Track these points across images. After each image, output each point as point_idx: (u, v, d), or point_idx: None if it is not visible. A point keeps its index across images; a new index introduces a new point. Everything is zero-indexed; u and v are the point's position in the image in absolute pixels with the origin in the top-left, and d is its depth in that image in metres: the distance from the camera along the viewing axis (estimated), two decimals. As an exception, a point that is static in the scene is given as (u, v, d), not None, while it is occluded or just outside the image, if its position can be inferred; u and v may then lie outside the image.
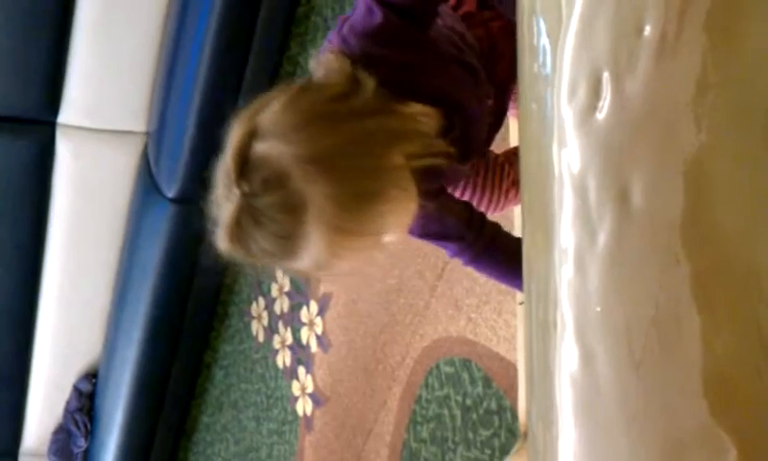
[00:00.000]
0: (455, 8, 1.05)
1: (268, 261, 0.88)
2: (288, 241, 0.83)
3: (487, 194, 1.20)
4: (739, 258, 0.47)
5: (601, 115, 0.52)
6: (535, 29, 0.58)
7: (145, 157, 2.64)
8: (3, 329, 2.86)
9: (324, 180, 0.80)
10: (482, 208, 1.20)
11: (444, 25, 0.98)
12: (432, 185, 0.99)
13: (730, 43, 0.47)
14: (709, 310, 0.48)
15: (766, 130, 0.46)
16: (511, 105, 1.11)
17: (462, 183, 1.18)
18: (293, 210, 0.81)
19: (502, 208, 1.22)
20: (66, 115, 2.56)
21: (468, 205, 1.09)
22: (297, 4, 2.39)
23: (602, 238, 0.53)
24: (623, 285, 0.53)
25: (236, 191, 0.81)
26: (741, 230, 0.47)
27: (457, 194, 1.18)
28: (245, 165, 0.82)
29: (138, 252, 2.72)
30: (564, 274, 0.56)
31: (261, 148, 0.82)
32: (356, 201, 0.83)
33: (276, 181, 0.81)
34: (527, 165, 0.65)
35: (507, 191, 1.20)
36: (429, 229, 1.03)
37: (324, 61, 0.89)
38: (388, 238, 0.88)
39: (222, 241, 0.85)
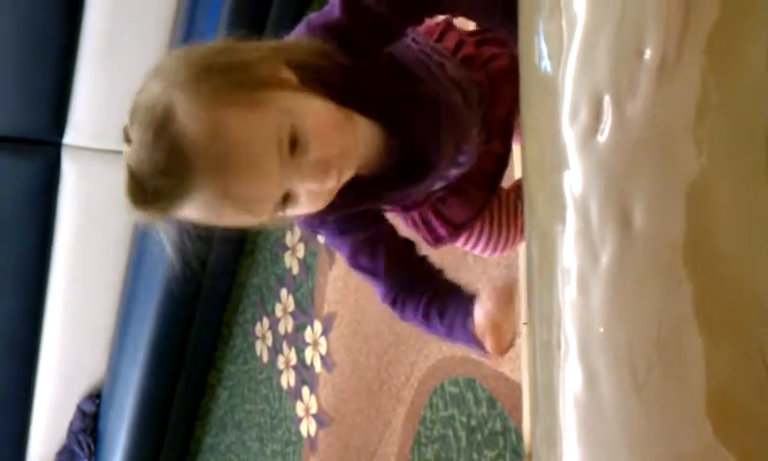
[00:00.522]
0: (455, 51, 1.03)
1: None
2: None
3: (503, 232, 1.17)
4: (740, 280, 0.47)
5: (602, 138, 0.53)
6: (536, 51, 0.59)
7: (150, 177, 2.65)
8: (7, 350, 2.86)
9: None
10: (498, 246, 1.18)
11: (420, 50, 0.97)
12: (367, 206, 0.97)
13: (729, 67, 0.48)
14: (711, 331, 0.48)
15: (766, 153, 0.46)
16: (515, 136, 1.10)
17: (477, 224, 1.15)
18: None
19: (519, 243, 1.21)
20: (72, 136, 2.58)
21: (408, 248, 1.03)
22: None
23: (604, 259, 0.53)
24: (626, 306, 0.53)
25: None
26: (741, 253, 0.47)
27: (475, 233, 1.16)
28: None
29: (143, 272, 2.73)
30: (568, 294, 0.57)
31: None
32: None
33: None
34: (530, 187, 0.65)
35: (522, 227, 1.18)
36: (358, 261, 1.00)
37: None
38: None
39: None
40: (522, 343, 1.67)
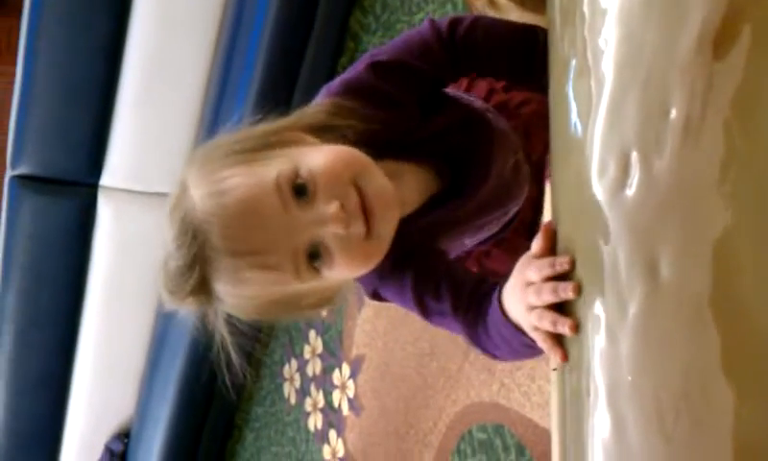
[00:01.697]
0: (487, 98, 1.01)
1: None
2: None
3: None
4: (763, 332, 0.49)
5: (630, 192, 0.55)
6: (567, 109, 0.61)
7: (183, 219, 2.69)
8: (39, 388, 2.89)
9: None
10: None
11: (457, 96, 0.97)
12: (419, 241, 0.90)
13: (751, 127, 0.49)
14: (738, 383, 0.49)
15: (787, 210, 0.48)
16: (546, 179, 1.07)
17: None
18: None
19: None
20: (108, 178, 2.63)
21: (468, 274, 0.92)
22: (334, 72, 2.46)
23: (632, 310, 0.55)
24: (653, 356, 0.54)
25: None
26: (764, 306, 0.49)
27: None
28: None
29: (174, 312, 2.75)
30: (597, 343, 0.58)
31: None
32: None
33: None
34: (561, 237, 0.67)
35: None
36: (427, 306, 0.89)
37: None
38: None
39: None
40: (552, 389, 1.66)
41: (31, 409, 2.91)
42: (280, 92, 2.37)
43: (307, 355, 2.73)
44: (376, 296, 0.92)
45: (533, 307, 0.68)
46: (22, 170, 2.51)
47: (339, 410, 2.54)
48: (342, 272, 0.79)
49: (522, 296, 0.70)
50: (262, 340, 2.95)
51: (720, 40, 0.51)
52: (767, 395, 0.49)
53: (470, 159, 0.92)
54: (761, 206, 0.49)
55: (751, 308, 0.49)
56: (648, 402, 0.54)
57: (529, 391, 1.81)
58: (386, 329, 2.34)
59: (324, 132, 0.81)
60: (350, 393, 2.49)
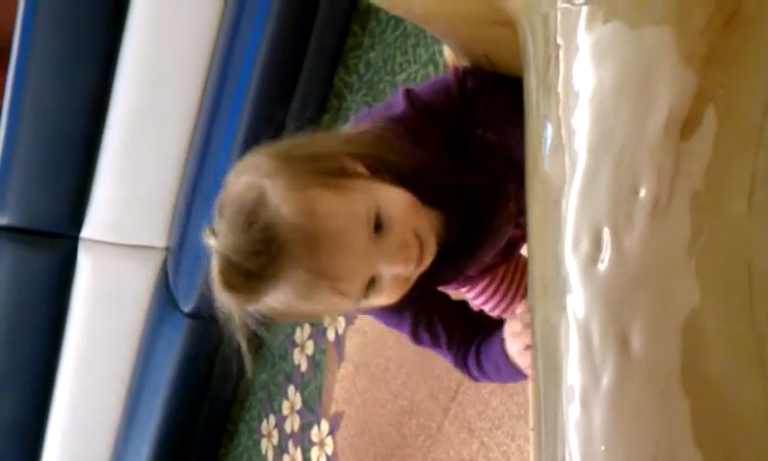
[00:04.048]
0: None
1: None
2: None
3: (509, 291, 1.22)
4: (729, 404, 0.50)
5: (602, 267, 0.57)
6: (543, 182, 0.63)
7: (164, 271, 2.70)
8: (13, 439, 2.85)
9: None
10: (502, 304, 1.22)
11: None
12: (426, 286, 0.98)
13: (715, 210, 0.52)
14: (705, 451, 0.51)
15: (749, 288, 0.49)
16: None
17: (487, 277, 1.19)
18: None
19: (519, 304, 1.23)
20: (89, 230, 2.63)
21: (461, 312, 1.05)
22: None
23: (605, 380, 0.56)
24: (625, 425, 0.56)
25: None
26: (729, 378, 0.50)
27: (482, 285, 1.20)
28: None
29: (152, 365, 2.74)
30: (572, 412, 0.59)
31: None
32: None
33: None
34: (535, 303, 0.69)
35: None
36: (420, 338, 1.02)
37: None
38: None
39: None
40: (531, 449, 1.66)
41: (4, 460, 2.86)
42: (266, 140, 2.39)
43: (286, 411, 2.71)
44: (367, 312, 1.00)
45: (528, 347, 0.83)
46: (3, 221, 2.51)
47: (317, 468, 2.51)
48: (379, 301, 0.88)
49: (521, 338, 0.90)
50: (240, 396, 2.93)
51: (687, 122, 0.54)
52: (733, 468, 0.50)
53: (479, 216, 0.99)
54: (727, 281, 0.51)
55: (718, 381, 0.51)
56: (621, 472, 0.55)
57: (508, 450, 1.80)
58: (365, 386, 2.34)
59: (372, 161, 0.87)
60: (329, 450, 2.47)
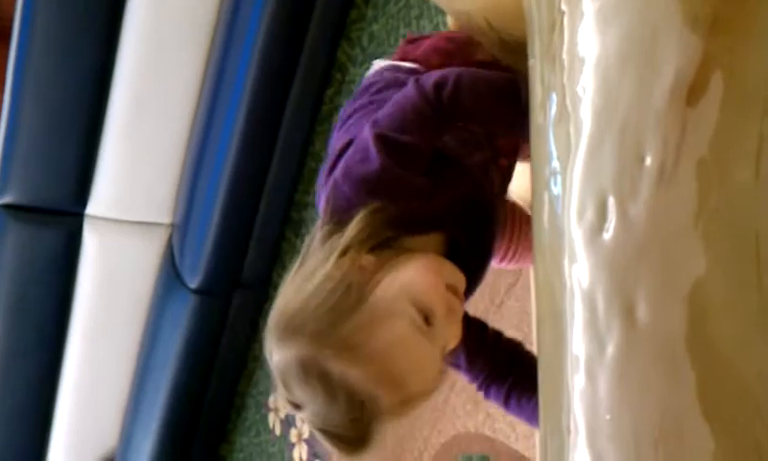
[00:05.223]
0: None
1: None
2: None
3: (513, 244, 1.22)
4: (735, 372, 0.50)
5: (607, 236, 0.56)
6: (547, 152, 0.62)
7: (169, 247, 2.70)
8: (21, 418, 2.87)
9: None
10: (509, 256, 1.22)
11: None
12: None
13: (721, 177, 0.51)
14: (711, 420, 0.51)
15: (756, 255, 0.49)
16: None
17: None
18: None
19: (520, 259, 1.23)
20: (94, 207, 2.63)
21: (481, 331, 1.05)
22: (320, 103, 2.48)
23: (610, 349, 0.56)
24: (631, 394, 0.56)
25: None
26: (736, 346, 0.50)
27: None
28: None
29: (159, 341, 2.75)
30: (576, 382, 0.59)
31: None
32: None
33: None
34: (541, 276, 0.69)
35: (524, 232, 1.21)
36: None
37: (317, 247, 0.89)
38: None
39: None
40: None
41: (13, 440, 2.88)
42: (268, 122, 2.39)
43: (293, 385, 2.72)
44: None
45: None
46: (8, 199, 2.51)
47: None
48: (454, 344, 0.90)
49: None
50: (247, 370, 2.94)
51: (693, 89, 0.53)
52: (737, 434, 0.50)
53: (480, 217, 0.97)
54: (734, 248, 0.51)
55: (725, 350, 0.51)
56: (626, 441, 0.55)
57: (514, 422, 1.81)
58: (372, 360, 2.34)
59: (378, 244, 0.86)
60: (336, 423, 2.48)
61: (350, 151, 0.89)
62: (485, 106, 0.93)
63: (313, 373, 0.81)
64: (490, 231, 1.00)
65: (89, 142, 2.52)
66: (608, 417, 0.56)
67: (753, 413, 0.49)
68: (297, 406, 0.84)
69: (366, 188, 0.87)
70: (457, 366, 1.03)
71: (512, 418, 1.83)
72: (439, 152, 0.92)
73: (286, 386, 0.84)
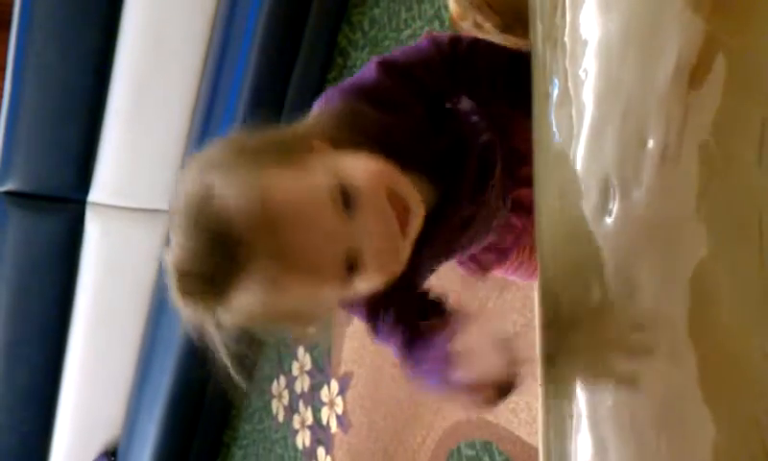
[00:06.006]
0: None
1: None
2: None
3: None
4: (738, 357, 0.50)
5: (610, 219, 0.56)
6: (550, 136, 0.62)
7: (172, 235, 2.69)
8: (26, 404, 2.88)
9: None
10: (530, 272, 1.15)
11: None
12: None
13: (724, 160, 0.51)
14: (712, 406, 0.50)
15: (759, 238, 0.49)
16: None
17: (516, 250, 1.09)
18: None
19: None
20: (97, 194, 2.63)
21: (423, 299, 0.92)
22: (322, 87, 2.47)
23: (613, 334, 0.56)
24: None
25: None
26: (738, 330, 0.50)
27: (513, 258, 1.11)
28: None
29: (162, 328, 2.75)
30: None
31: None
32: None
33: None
34: (544, 257, 0.68)
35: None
36: (377, 319, 0.90)
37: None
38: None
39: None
40: (538, 406, 1.67)
41: (18, 426, 2.89)
42: (269, 106, 2.38)
43: (296, 372, 2.73)
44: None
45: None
46: (10, 186, 2.51)
47: (327, 427, 2.54)
48: (370, 283, 0.78)
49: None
50: (250, 357, 2.94)
51: (695, 71, 0.52)
52: (738, 418, 0.50)
53: (461, 178, 0.92)
54: (737, 231, 0.50)
55: (727, 334, 0.50)
56: (629, 426, 0.55)
57: (517, 408, 1.81)
58: (374, 346, 2.34)
59: (341, 140, 0.80)
60: (339, 410, 2.49)
61: (348, 80, 0.87)
62: (497, 70, 0.91)
63: (199, 193, 0.72)
64: (472, 213, 0.93)
65: (91, 129, 2.51)
66: (609, 403, 0.56)
67: (755, 398, 0.49)
68: (168, 242, 0.74)
69: (354, 93, 0.84)
70: (384, 330, 0.89)
71: (514, 404, 1.84)
72: (445, 109, 0.90)
73: (171, 212, 0.75)
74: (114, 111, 2.49)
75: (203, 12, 2.42)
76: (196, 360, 2.48)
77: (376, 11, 2.38)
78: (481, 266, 1.08)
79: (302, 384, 2.70)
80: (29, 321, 2.74)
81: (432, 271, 0.96)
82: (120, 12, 2.35)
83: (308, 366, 2.67)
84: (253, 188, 0.72)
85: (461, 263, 1.07)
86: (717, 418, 0.50)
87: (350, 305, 0.90)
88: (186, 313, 0.75)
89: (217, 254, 0.71)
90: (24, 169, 2.51)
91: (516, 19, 0.90)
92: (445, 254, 0.97)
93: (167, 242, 0.75)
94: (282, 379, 2.80)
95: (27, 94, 2.41)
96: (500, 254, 1.07)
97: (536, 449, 1.72)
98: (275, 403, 2.83)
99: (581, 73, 0.58)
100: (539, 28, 0.66)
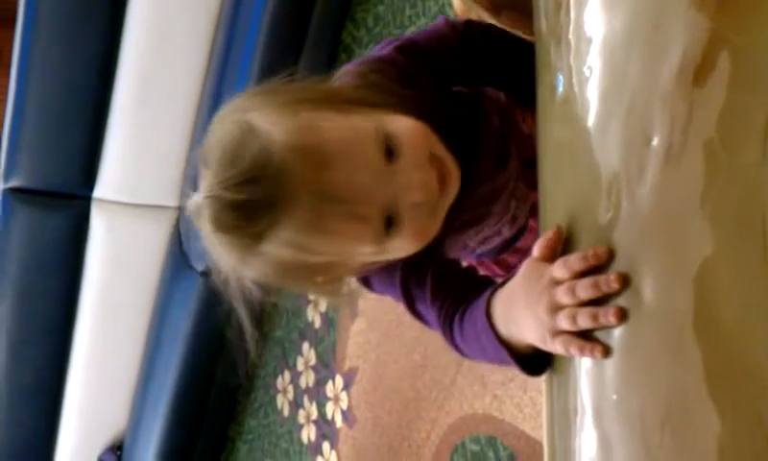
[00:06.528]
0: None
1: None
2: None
3: None
4: (742, 353, 0.50)
5: (614, 216, 0.56)
6: (554, 133, 0.62)
7: (177, 230, 2.70)
8: (32, 399, 2.89)
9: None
10: None
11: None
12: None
13: (728, 157, 0.51)
14: (717, 401, 0.51)
15: (763, 236, 0.49)
16: None
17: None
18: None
19: None
20: (102, 190, 2.63)
21: (457, 265, 0.88)
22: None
23: (617, 330, 0.56)
24: (637, 376, 0.56)
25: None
26: (742, 327, 0.50)
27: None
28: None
29: (167, 324, 2.76)
30: (583, 363, 0.59)
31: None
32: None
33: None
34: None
35: None
36: (410, 293, 0.84)
37: None
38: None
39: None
40: (543, 401, 1.68)
41: (24, 421, 2.91)
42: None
43: (300, 367, 2.74)
44: (366, 283, 0.89)
45: (560, 307, 0.61)
46: (15, 183, 2.51)
47: (332, 422, 2.54)
48: (405, 244, 0.77)
49: (542, 298, 0.63)
50: (255, 351, 2.95)
51: (700, 68, 0.53)
52: (742, 415, 0.50)
53: (480, 153, 0.90)
54: (741, 229, 0.51)
55: (731, 331, 0.51)
56: (633, 422, 0.55)
57: (521, 403, 1.82)
58: (379, 341, 2.35)
59: (373, 102, 0.79)
60: (344, 405, 2.50)
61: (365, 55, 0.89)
62: (510, 55, 0.91)
63: (238, 129, 0.71)
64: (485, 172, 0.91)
65: (96, 125, 2.52)
66: (614, 397, 0.56)
67: (759, 393, 0.49)
68: (196, 186, 0.73)
69: (372, 65, 0.84)
70: (422, 301, 0.83)
71: (519, 399, 1.84)
72: (459, 90, 0.91)
73: (203, 156, 0.73)
74: (119, 108, 2.50)
75: (207, 10, 2.42)
76: (200, 356, 2.48)
77: (380, 7, 2.38)
78: (507, 269, 1.06)
79: (307, 379, 2.70)
80: (35, 317, 2.75)
81: (461, 247, 0.95)
82: (124, 10, 2.36)
83: (313, 361, 2.68)
84: (299, 122, 0.71)
85: (482, 265, 1.06)
86: (722, 413, 0.50)
87: (380, 279, 0.87)
88: (217, 252, 0.72)
89: (258, 183, 0.68)
90: (29, 166, 2.52)
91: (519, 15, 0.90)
92: (473, 229, 0.95)
93: (193, 188, 0.73)
94: (287, 374, 2.81)
95: (32, 91, 2.42)
96: (522, 255, 1.06)
97: (540, 444, 1.72)
98: (279, 398, 2.84)
99: (585, 70, 0.58)
100: (543, 25, 0.67)
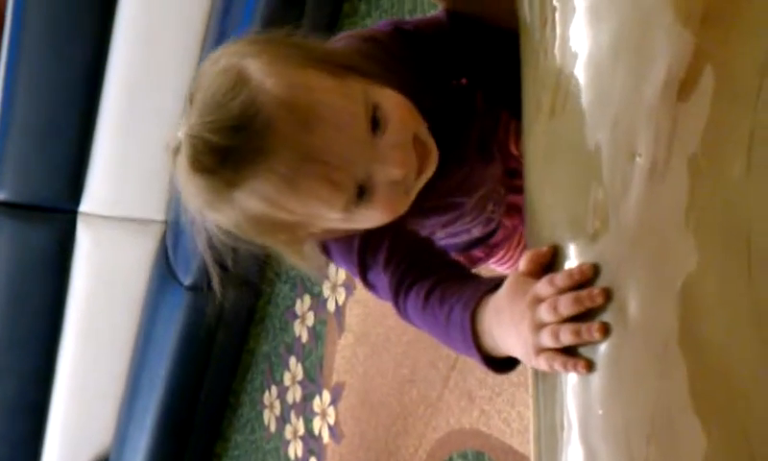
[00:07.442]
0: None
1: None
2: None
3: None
4: (727, 368, 0.50)
5: (599, 232, 0.56)
6: (540, 146, 0.62)
7: (163, 244, 2.69)
8: (16, 414, 2.86)
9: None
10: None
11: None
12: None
13: (712, 173, 0.51)
14: (703, 416, 0.51)
15: (748, 250, 0.49)
16: None
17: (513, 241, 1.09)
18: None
19: None
20: (88, 204, 2.63)
21: (419, 238, 0.87)
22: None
23: (602, 345, 0.56)
24: (623, 391, 0.56)
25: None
26: (727, 342, 0.50)
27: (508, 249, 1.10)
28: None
29: (153, 338, 2.74)
30: (569, 378, 0.59)
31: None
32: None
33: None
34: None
35: None
36: (365, 261, 0.84)
37: None
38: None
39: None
40: (530, 417, 1.67)
41: (8, 436, 2.88)
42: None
43: (287, 382, 2.73)
44: (326, 250, 0.88)
45: (543, 325, 0.61)
46: (1, 197, 2.50)
47: (319, 438, 2.53)
48: (372, 216, 0.78)
49: (526, 315, 0.63)
50: (242, 367, 2.94)
51: (684, 83, 0.53)
52: (728, 432, 0.50)
53: (463, 140, 0.92)
54: (726, 244, 0.51)
55: (717, 345, 0.51)
56: (619, 436, 0.55)
57: (509, 417, 1.81)
58: (366, 356, 2.35)
59: (367, 72, 0.79)
60: (331, 420, 2.48)
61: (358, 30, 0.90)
62: (500, 54, 0.89)
63: (230, 73, 0.71)
64: (464, 158, 0.92)
65: (82, 139, 2.51)
66: (600, 412, 0.56)
67: (744, 409, 0.49)
68: (191, 98, 0.73)
69: (366, 41, 0.85)
70: (375, 270, 0.83)
71: (506, 414, 1.84)
72: (450, 80, 0.91)
73: (190, 95, 0.73)
74: (106, 122, 2.49)
75: (194, 22, 2.42)
76: (187, 370, 2.46)
77: (368, 21, 2.39)
78: (470, 261, 1.08)
79: (294, 395, 2.69)
80: (20, 330, 2.73)
81: (427, 234, 0.94)
82: (112, 22, 2.35)
83: (300, 376, 2.67)
84: (293, 79, 0.71)
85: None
86: (707, 429, 0.50)
87: (339, 247, 0.86)
88: (188, 192, 0.73)
89: (243, 131, 0.69)
90: (15, 179, 2.51)
91: None
92: (440, 217, 0.96)
93: (178, 123, 0.73)
94: (274, 389, 2.80)
95: (18, 104, 2.41)
96: (489, 249, 1.08)
97: (528, 459, 1.72)
98: (266, 414, 2.83)
99: (571, 85, 0.58)
100: (529, 40, 0.67)
